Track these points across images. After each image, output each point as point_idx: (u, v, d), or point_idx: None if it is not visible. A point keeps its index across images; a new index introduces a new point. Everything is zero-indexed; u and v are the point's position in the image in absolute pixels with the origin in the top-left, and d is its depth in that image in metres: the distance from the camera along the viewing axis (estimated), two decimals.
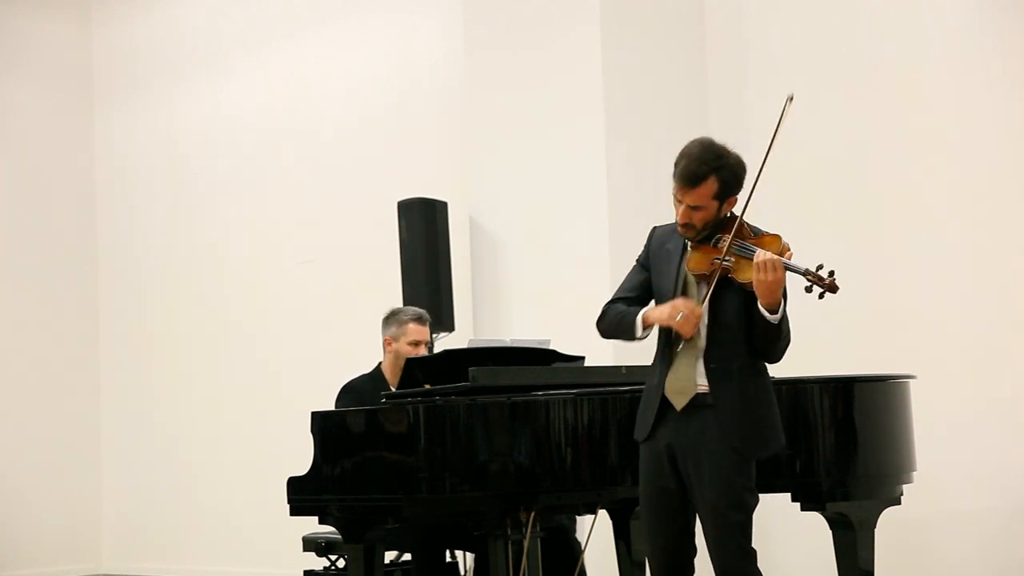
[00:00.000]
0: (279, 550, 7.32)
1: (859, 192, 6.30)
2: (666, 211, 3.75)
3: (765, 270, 3.41)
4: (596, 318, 3.81)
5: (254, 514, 8.35)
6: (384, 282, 7.36)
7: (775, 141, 3.51)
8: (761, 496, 3.60)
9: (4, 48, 9.38)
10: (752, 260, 3.46)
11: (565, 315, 6.16)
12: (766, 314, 3.48)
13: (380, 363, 5.34)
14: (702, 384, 3.58)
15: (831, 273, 3.43)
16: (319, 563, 5.65)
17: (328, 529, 4.85)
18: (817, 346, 6.07)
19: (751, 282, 3.46)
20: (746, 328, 3.57)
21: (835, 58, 6.42)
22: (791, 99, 3.54)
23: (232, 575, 8.66)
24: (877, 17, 6.32)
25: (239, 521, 8.59)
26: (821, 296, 3.43)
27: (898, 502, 4.41)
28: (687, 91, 6.81)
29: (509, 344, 4.87)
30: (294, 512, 4.45)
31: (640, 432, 3.70)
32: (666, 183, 3.73)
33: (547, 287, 6.59)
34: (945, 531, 5.92)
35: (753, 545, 3.58)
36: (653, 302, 3.75)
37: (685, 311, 3.51)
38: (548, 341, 4.80)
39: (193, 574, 8.96)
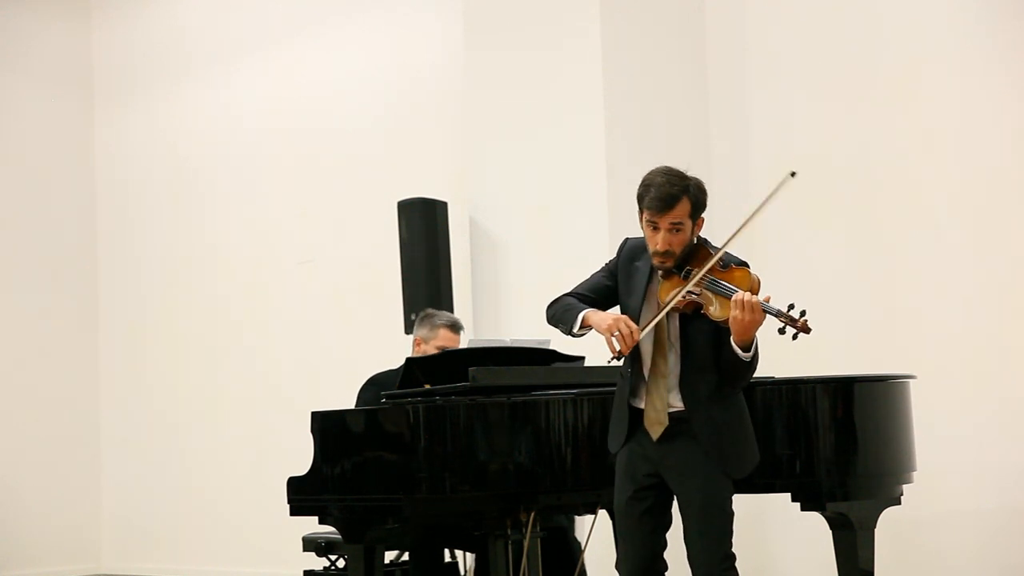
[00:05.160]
0: (279, 550, 7.32)
1: (859, 192, 6.29)
2: None
3: (743, 310, 3.40)
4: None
5: (254, 514, 8.34)
6: (384, 282, 7.36)
7: (764, 207, 3.51)
8: (761, 496, 3.60)
9: (4, 48, 9.38)
10: (726, 297, 3.45)
11: None
12: (739, 352, 3.48)
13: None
14: (676, 406, 3.60)
15: (803, 313, 3.41)
16: (319, 563, 5.65)
17: (328, 529, 4.85)
18: (817, 346, 6.06)
19: (727, 319, 3.45)
20: (716, 355, 3.57)
21: (835, 58, 6.42)
22: (793, 175, 3.52)
23: (232, 575, 8.66)
24: (877, 17, 6.31)
25: (239, 521, 8.59)
26: (795, 337, 3.41)
27: (898, 502, 4.41)
28: (687, 91, 6.81)
29: (509, 344, 4.87)
30: (294, 512, 4.45)
31: (613, 444, 3.75)
32: None
33: (547, 287, 6.53)
34: (945, 531, 5.92)
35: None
36: (618, 308, 3.77)
37: (624, 331, 3.51)
38: (548, 341, 4.79)
39: (193, 574, 8.96)
